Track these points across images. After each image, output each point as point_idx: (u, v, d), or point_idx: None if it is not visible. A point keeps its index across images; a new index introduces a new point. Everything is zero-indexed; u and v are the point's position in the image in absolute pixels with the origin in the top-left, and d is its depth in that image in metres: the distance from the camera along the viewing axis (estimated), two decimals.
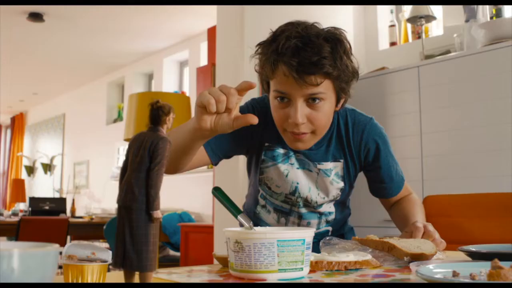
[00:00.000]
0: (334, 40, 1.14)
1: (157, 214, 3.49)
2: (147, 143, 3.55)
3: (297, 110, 1.15)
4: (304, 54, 1.10)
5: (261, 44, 1.21)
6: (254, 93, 3.17)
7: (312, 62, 1.10)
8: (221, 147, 1.33)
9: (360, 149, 1.34)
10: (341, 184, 1.35)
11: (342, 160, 1.34)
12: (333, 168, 1.34)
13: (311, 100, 1.16)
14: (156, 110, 3.69)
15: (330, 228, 1.43)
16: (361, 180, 1.45)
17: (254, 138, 1.35)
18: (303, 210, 1.38)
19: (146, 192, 3.48)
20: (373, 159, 1.35)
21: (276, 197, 1.38)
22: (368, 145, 1.34)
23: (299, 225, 1.39)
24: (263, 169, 1.36)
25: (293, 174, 1.34)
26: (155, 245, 3.53)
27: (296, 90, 1.14)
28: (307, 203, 1.36)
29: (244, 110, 1.33)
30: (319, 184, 1.34)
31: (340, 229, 1.49)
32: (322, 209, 1.38)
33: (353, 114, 1.35)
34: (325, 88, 1.15)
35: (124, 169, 3.65)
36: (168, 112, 3.71)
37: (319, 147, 1.32)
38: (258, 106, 1.35)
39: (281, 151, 1.34)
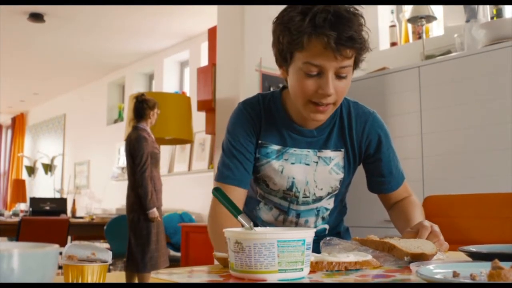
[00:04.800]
0: (358, 15, 1.20)
1: (153, 213, 3.51)
2: (128, 146, 3.62)
3: (329, 82, 1.19)
4: (342, 28, 1.15)
5: (288, 13, 1.20)
6: (255, 91, 3.17)
7: (349, 36, 1.15)
8: (248, 173, 1.35)
9: (362, 140, 1.36)
10: (341, 175, 1.36)
11: (343, 150, 1.35)
12: (333, 157, 1.35)
13: (339, 73, 1.20)
14: (141, 103, 3.67)
15: (327, 226, 1.44)
16: (361, 180, 1.45)
17: (255, 142, 1.37)
18: (301, 208, 1.38)
19: (137, 194, 3.54)
20: (374, 151, 1.36)
21: (274, 194, 1.39)
22: (370, 136, 1.35)
23: (297, 223, 1.39)
24: (258, 168, 1.37)
25: (288, 169, 1.34)
26: (158, 244, 3.54)
27: (331, 62, 1.17)
28: (306, 197, 1.36)
29: (239, 119, 1.35)
30: (317, 176, 1.35)
31: (337, 227, 1.49)
32: (320, 204, 1.38)
33: (356, 106, 1.38)
34: (351, 61, 1.21)
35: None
36: (153, 106, 3.69)
37: (321, 134, 1.34)
38: (252, 111, 1.36)
39: (275, 147, 1.35)
